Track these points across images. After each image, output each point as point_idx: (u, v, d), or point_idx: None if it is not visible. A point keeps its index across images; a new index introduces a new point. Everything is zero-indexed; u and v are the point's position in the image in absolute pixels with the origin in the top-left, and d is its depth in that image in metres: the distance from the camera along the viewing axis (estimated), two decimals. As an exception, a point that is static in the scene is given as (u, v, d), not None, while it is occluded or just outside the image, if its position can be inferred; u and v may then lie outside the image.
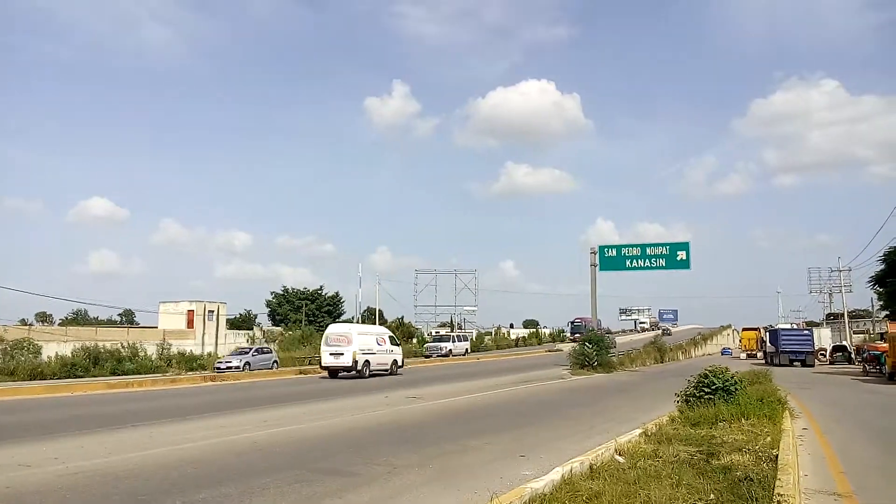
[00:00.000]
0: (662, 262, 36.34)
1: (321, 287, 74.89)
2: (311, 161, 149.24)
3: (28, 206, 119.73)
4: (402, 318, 77.96)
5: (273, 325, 66.15)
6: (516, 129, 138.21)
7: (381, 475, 7.97)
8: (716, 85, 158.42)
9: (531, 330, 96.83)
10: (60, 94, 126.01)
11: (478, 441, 10.67)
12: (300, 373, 30.11)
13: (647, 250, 36.92)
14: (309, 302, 71.02)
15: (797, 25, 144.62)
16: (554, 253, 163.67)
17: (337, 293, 75.36)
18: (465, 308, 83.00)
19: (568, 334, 79.97)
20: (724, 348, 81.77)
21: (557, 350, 65.24)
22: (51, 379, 25.42)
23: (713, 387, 13.19)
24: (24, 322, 54.68)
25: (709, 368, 14.03)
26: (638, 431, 10.58)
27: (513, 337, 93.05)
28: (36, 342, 33.83)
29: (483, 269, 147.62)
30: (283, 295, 73.33)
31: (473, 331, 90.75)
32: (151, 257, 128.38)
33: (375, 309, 72.94)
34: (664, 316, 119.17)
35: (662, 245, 37.20)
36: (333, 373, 27.12)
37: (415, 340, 71.91)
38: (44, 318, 77.74)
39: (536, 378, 27.89)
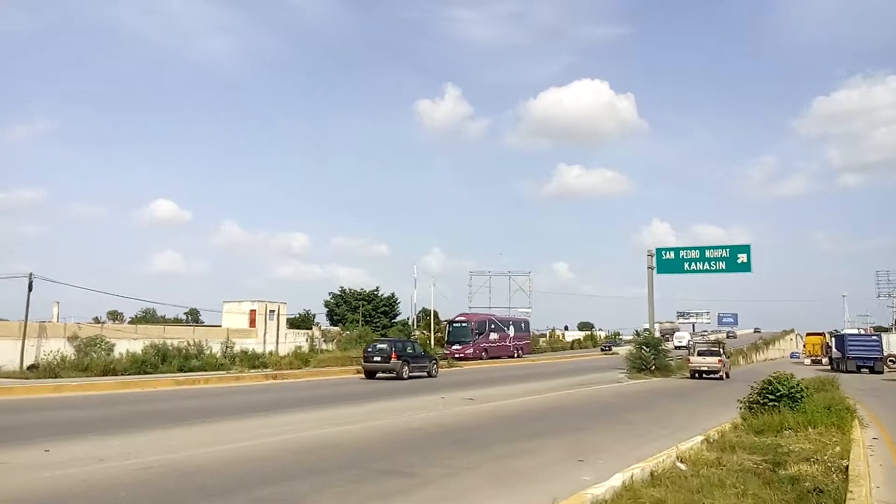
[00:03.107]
0: (722, 264, 35.39)
1: (377, 288, 75.70)
2: (364, 164, 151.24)
3: (95, 209, 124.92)
4: (457, 319, 78.11)
5: (331, 324, 67.17)
6: (569, 129, 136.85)
7: (440, 476, 8.07)
8: (774, 83, 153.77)
9: (586, 332, 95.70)
10: (127, 105, 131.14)
11: (534, 444, 10.66)
12: (358, 372, 30.55)
13: (707, 252, 35.99)
14: (365, 303, 71.88)
15: (859, 22, 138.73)
16: (608, 255, 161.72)
17: (393, 294, 76.03)
18: (519, 310, 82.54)
19: (624, 337, 78.66)
20: (792, 353, 79.20)
21: (612, 353, 64.26)
22: (122, 375, 26.48)
23: (778, 394, 12.82)
24: (96, 320, 57.25)
25: (773, 375, 13.64)
26: (699, 438, 10.37)
27: (568, 339, 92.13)
28: (108, 339, 35.37)
29: (536, 270, 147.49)
30: (340, 295, 74.47)
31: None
32: (213, 258, 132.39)
33: (431, 310, 73.31)
34: (723, 319, 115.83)
35: (722, 248, 36.25)
36: (372, 373, 27.69)
37: (469, 341, 72.06)
38: (115, 316, 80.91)
39: (592, 381, 27.59)
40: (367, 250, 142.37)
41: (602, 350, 74.05)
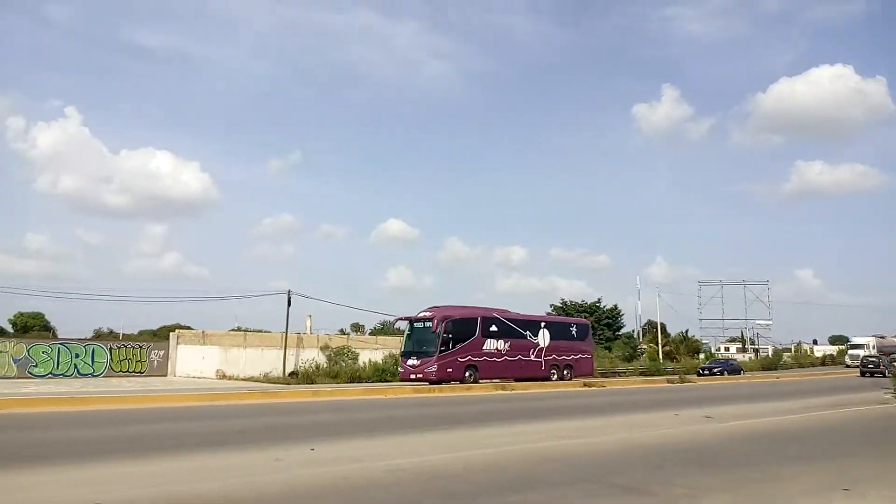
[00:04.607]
0: None
1: (599, 300, 74.41)
2: (579, 174, 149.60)
3: (339, 230, 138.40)
4: (686, 331, 73.99)
5: (553, 337, 67.30)
6: (806, 122, 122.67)
7: (680, 497, 7.70)
8: None
9: (839, 347, 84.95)
10: (360, 133, 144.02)
11: (788, 469, 9.72)
12: (585, 385, 30.27)
13: None
14: (587, 315, 71.00)
15: None
16: (862, 259, 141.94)
17: (615, 306, 74.22)
18: (757, 322, 75.88)
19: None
20: None
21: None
22: (366, 382, 29.02)
23: None
24: (342, 331, 63.34)
25: None
26: None
27: (817, 354, 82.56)
28: (353, 349, 39.01)
29: (775, 278, 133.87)
30: (561, 307, 74.31)
31: (769, 347, 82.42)
32: (439, 272, 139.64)
33: (657, 322, 70.21)
34: None
35: None
36: None
37: (701, 356, 67.80)
38: (357, 327, 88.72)
39: (850, 402, 24.39)
40: (585, 261, 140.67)
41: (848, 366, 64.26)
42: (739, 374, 48.65)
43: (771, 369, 62.63)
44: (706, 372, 47.41)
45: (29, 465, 8.84)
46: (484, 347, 31.18)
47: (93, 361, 38.08)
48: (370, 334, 65.20)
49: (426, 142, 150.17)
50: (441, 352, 29.06)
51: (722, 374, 46.81)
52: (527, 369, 32.73)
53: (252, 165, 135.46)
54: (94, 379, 36.08)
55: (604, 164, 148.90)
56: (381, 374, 31.66)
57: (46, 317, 77.58)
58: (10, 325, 76.41)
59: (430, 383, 28.29)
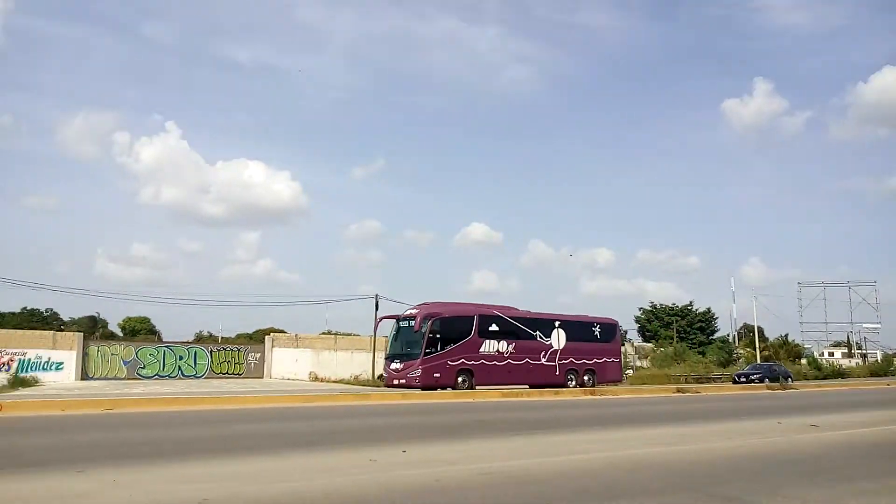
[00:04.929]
0: None
1: (690, 302, 72.20)
2: (666, 173, 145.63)
3: (423, 235, 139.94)
4: (787, 335, 70.58)
5: (643, 340, 65.67)
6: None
7: (788, 509, 7.35)
8: None
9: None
10: (439, 138, 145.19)
11: (906, 483, 9.09)
12: (678, 391, 29.32)
13: None
14: (679, 318, 68.82)
15: None
16: None
17: (709, 309, 71.84)
18: (864, 325, 71.34)
19: None
20: None
21: None
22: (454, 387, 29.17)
23: None
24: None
25: None
26: None
27: (935, 361, 76.96)
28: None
29: (883, 279, 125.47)
30: (651, 311, 72.49)
31: (878, 351, 77.67)
32: (523, 276, 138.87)
33: (753, 326, 67.23)
34: None
35: None
36: None
37: (804, 361, 64.57)
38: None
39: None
40: (675, 263, 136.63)
41: None
42: (787, 380, 41.14)
43: (880, 375, 58.75)
44: (742, 379, 41.24)
45: (138, 462, 9.40)
46: (481, 349, 28.28)
47: (195, 363, 40.17)
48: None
49: (508, 145, 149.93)
50: (426, 354, 26.43)
51: (762, 381, 39.55)
52: (537, 374, 30.06)
53: (338, 173, 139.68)
54: (196, 380, 38.11)
55: (692, 162, 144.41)
56: (469, 378, 31.77)
57: (152, 321, 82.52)
58: (120, 329, 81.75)
59: (422, 388, 25.82)
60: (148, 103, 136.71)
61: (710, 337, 69.78)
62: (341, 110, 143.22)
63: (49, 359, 36.42)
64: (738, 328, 72.21)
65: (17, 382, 28.70)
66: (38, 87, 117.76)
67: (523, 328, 30.30)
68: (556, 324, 31.62)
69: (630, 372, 44.64)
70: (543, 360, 30.49)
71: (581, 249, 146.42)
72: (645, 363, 55.85)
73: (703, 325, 70.24)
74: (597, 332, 33.69)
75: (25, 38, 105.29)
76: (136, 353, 38.62)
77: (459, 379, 27.52)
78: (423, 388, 25.92)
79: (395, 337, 28.85)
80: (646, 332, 70.32)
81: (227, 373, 40.20)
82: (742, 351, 65.94)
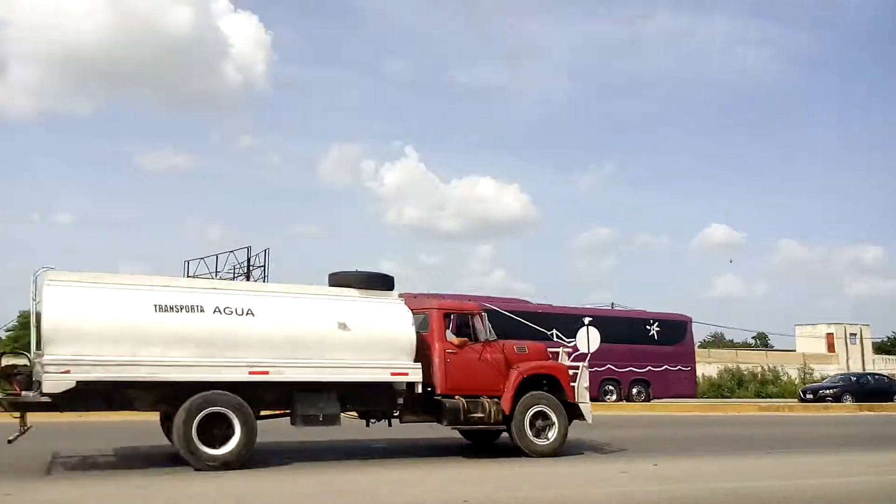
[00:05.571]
0: None
1: None
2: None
3: (657, 239, 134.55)
4: None
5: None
6: None
7: None
8: None
9: None
10: (667, 138, 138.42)
11: None
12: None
13: None
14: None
15: None
16: None
17: None
18: None
19: None
20: None
21: None
22: (702, 398, 27.81)
23: None
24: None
25: None
26: None
27: None
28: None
29: None
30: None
31: None
32: (774, 278, 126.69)
33: None
34: None
35: None
36: None
37: None
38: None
39: None
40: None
41: None
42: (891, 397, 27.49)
43: None
44: (809, 395, 27.98)
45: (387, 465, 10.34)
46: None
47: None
48: (699, 347, 62.11)
49: (741, 139, 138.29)
50: None
51: (838, 399, 26.62)
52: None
53: (565, 182, 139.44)
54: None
55: None
56: (718, 389, 30.01)
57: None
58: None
59: None
60: (389, 132, 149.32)
61: None
62: (564, 120, 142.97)
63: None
64: None
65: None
66: (300, 128, 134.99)
67: (532, 326, 21.68)
68: (586, 321, 22.79)
69: None
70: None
71: (841, 247, 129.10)
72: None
73: None
74: (653, 333, 26.32)
75: (289, 85, 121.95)
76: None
77: None
78: None
79: None
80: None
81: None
82: None
